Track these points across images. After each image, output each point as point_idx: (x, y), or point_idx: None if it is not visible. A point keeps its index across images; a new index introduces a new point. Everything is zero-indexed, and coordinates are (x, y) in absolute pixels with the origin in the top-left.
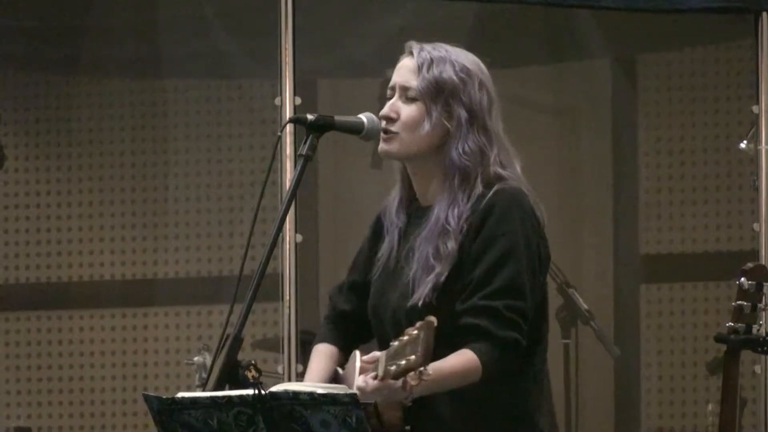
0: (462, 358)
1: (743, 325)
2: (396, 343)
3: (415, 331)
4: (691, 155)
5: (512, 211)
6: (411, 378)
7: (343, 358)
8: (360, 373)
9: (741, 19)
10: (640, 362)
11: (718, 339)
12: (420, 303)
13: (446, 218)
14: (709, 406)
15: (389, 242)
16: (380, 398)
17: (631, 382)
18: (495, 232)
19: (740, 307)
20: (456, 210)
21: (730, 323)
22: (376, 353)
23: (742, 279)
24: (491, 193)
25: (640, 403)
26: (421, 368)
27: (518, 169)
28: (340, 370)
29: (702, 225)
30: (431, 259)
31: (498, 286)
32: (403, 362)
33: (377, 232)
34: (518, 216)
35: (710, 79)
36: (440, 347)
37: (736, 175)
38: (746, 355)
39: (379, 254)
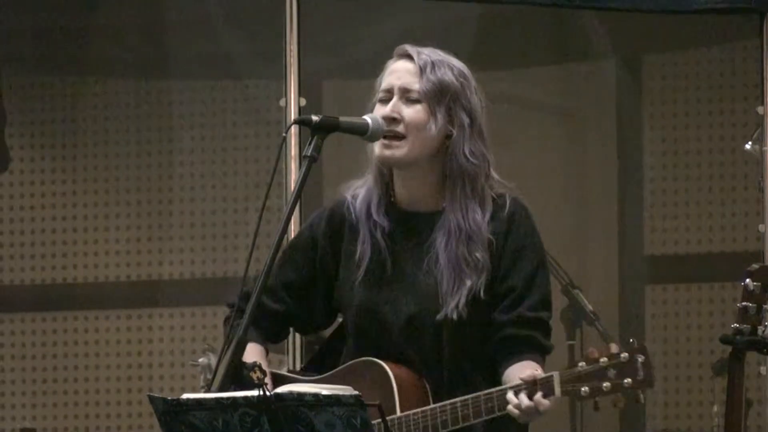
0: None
1: (748, 326)
2: (582, 364)
3: (626, 355)
4: (697, 156)
5: (531, 221)
6: (617, 401)
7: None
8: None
9: (746, 19)
10: None
11: (723, 340)
12: (455, 316)
13: (468, 225)
14: (714, 408)
15: (370, 243)
16: (537, 418)
17: None
18: (523, 242)
19: (745, 308)
20: (475, 217)
21: (735, 324)
22: (535, 372)
23: (748, 280)
24: (507, 203)
25: (645, 405)
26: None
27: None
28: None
29: (707, 226)
30: (463, 269)
31: (538, 297)
32: (607, 385)
33: (336, 229)
34: (535, 226)
35: (715, 79)
36: (465, 361)
37: (741, 176)
38: (751, 356)
39: (357, 255)
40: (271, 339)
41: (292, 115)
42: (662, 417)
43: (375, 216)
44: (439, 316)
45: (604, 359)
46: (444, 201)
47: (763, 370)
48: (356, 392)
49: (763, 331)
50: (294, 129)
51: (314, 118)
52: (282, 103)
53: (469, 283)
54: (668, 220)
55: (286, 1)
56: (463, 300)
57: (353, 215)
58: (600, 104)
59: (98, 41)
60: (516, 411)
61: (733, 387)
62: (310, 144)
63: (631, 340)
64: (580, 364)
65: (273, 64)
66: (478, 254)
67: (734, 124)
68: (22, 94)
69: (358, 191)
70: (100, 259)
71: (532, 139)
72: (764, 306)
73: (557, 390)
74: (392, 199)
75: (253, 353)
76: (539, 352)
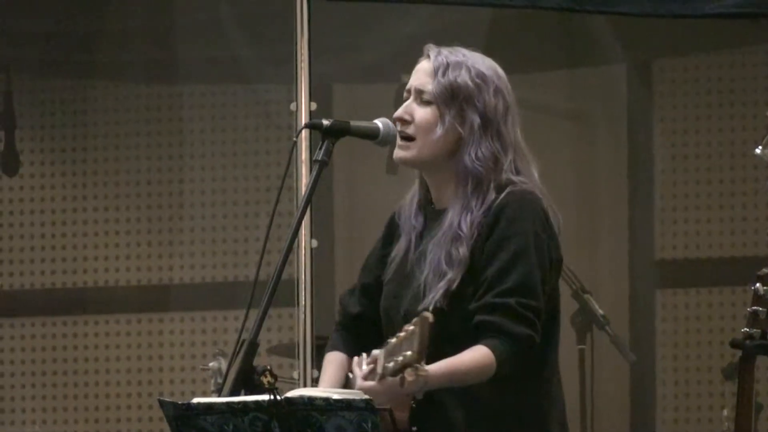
0: (476, 354)
1: (758, 330)
2: (393, 340)
3: (411, 327)
4: (707, 160)
5: (523, 211)
6: (408, 374)
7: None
8: (363, 375)
9: (756, 24)
10: (655, 367)
11: (734, 344)
12: (431, 308)
13: (459, 224)
14: (725, 412)
15: (405, 244)
16: (383, 398)
17: (647, 388)
18: (507, 232)
19: (755, 312)
20: (469, 216)
21: (745, 329)
22: (375, 351)
23: (758, 284)
24: (502, 195)
25: (655, 409)
26: (417, 364)
27: (536, 175)
28: (350, 376)
29: (717, 230)
30: (443, 264)
31: (511, 284)
32: (400, 358)
33: (390, 234)
34: (529, 216)
35: (725, 84)
36: (453, 350)
37: (751, 180)
38: (762, 360)
39: (392, 255)
40: (367, 342)
41: (303, 119)
42: (672, 420)
43: (412, 217)
44: (420, 308)
45: (401, 334)
46: None
47: None
48: (367, 396)
49: None
50: (305, 133)
51: (325, 122)
52: (292, 107)
53: (448, 275)
54: (678, 224)
55: (296, 5)
56: (440, 293)
57: (401, 219)
58: (610, 108)
59: (108, 46)
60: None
61: (743, 391)
62: (320, 148)
63: (422, 314)
64: (390, 340)
65: (283, 68)
66: (461, 249)
67: (744, 129)
68: (32, 98)
69: (412, 193)
70: (110, 263)
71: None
72: None
73: (379, 366)
74: (430, 198)
75: (330, 363)
76: (500, 336)
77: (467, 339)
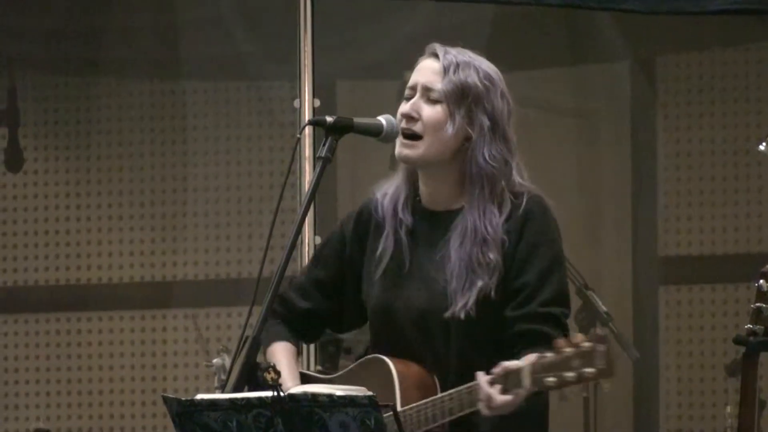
0: None
1: (762, 327)
2: (549, 354)
3: (588, 344)
4: (710, 157)
5: (548, 219)
6: (583, 390)
7: (298, 359)
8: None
9: (760, 20)
10: (658, 364)
11: (737, 341)
12: (462, 315)
13: (484, 227)
14: (728, 408)
15: (393, 240)
16: (503, 410)
17: (650, 384)
18: (537, 240)
19: (759, 309)
20: (492, 219)
21: (748, 325)
22: (509, 363)
23: (761, 281)
24: (524, 202)
25: (658, 405)
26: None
27: (527, 178)
28: (320, 376)
29: (721, 227)
30: (475, 270)
31: (552, 294)
32: (571, 375)
33: (363, 228)
34: (553, 224)
35: (729, 80)
36: (476, 356)
37: (755, 177)
38: (765, 357)
39: (379, 252)
40: (304, 338)
41: (306, 116)
42: (676, 417)
43: (400, 213)
44: (446, 314)
45: (568, 349)
46: (463, 200)
47: None
48: (370, 393)
49: None
50: (308, 130)
51: (328, 119)
52: (296, 104)
53: (480, 283)
54: (682, 221)
55: (299, 2)
56: (472, 300)
57: (380, 213)
58: (614, 105)
59: (112, 42)
60: (483, 404)
61: (746, 388)
62: (324, 145)
63: (592, 330)
64: (548, 354)
65: (287, 65)
66: (491, 255)
67: (748, 125)
68: (35, 95)
69: (388, 190)
70: (114, 260)
71: (546, 140)
72: None
73: (526, 381)
74: (418, 198)
75: (283, 352)
76: (550, 346)
77: (493, 346)
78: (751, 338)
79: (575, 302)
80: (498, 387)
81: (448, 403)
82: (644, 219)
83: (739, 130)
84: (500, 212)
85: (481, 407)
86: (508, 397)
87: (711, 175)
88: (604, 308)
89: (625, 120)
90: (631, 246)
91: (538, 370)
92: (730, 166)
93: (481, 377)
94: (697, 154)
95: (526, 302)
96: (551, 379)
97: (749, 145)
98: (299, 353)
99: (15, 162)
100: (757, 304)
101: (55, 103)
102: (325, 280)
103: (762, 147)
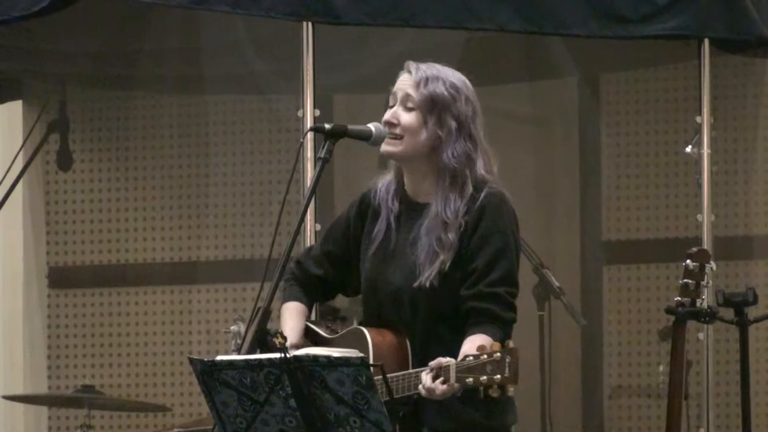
0: (485, 342)
1: (689, 299)
2: (470, 358)
3: (498, 354)
4: (646, 157)
5: (502, 212)
6: (493, 391)
7: (308, 316)
8: (429, 374)
9: (687, 44)
10: (602, 331)
11: (668, 311)
12: (427, 284)
13: (445, 213)
14: (660, 368)
15: (385, 223)
16: (440, 398)
17: (595, 347)
18: (490, 230)
19: (686, 284)
20: (452, 206)
21: (677, 298)
22: (442, 359)
23: (688, 261)
24: (482, 195)
25: (602, 365)
26: (509, 385)
27: (495, 170)
28: (322, 333)
29: (654, 216)
30: (435, 248)
31: (498, 275)
32: (484, 378)
33: (364, 210)
34: (506, 216)
35: (661, 94)
36: (439, 325)
37: (683, 174)
38: (691, 324)
39: (374, 233)
40: (318, 299)
41: (308, 123)
42: (617, 375)
43: (390, 202)
44: (415, 284)
45: (484, 356)
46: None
47: (701, 336)
48: (362, 355)
49: (701, 304)
50: (310, 135)
51: (327, 126)
52: (300, 113)
53: (441, 257)
54: (622, 210)
55: (303, 28)
56: (435, 271)
57: (377, 200)
58: (564, 114)
59: (146, 62)
60: (423, 390)
61: (676, 350)
62: (323, 148)
63: (505, 344)
64: (468, 357)
65: (292, 81)
66: (450, 235)
67: (677, 131)
68: (83, 106)
69: (384, 182)
70: (148, 243)
71: (507, 144)
72: (701, 283)
73: (452, 377)
74: (404, 189)
75: (293, 311)
76: (493, 322)
77: (456, 317)
78: (680, 309)
79: (533, 279)
80: (431, 376)
81: (401, 381)
82: (590, 208)
83: (669, 134)
84: (461, 200)
85: (420, 390)
86: (443, 387)
87: (646, 173)
88: (557, 284)
89: (574, 126)
90: (579, 231)
91: (462, 369)
92: (662, 165)
93: (421, 370)
94: (635, 155)
95: (475, 283)
96: (470, 379)
97: (678, 147)
98: (310, 311)
99: (65, 162)
100: (685, 280)
101: (98, 113)
102: (334, 252)
103: (688, 149)
